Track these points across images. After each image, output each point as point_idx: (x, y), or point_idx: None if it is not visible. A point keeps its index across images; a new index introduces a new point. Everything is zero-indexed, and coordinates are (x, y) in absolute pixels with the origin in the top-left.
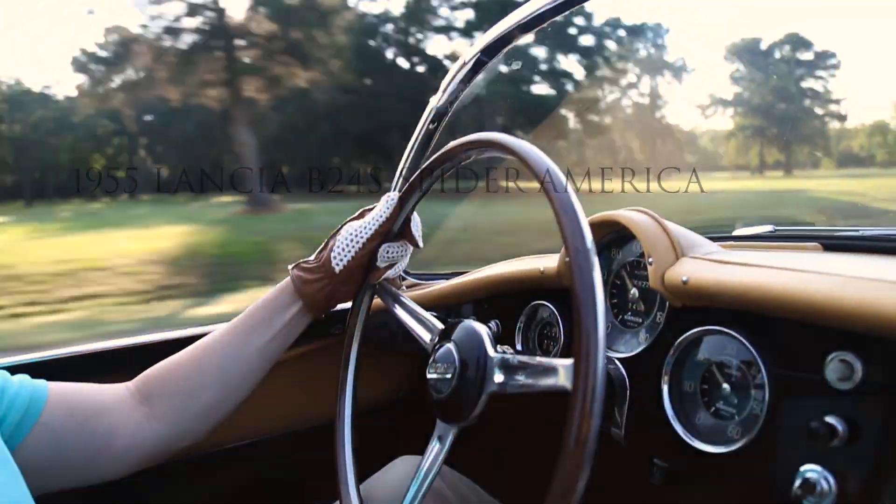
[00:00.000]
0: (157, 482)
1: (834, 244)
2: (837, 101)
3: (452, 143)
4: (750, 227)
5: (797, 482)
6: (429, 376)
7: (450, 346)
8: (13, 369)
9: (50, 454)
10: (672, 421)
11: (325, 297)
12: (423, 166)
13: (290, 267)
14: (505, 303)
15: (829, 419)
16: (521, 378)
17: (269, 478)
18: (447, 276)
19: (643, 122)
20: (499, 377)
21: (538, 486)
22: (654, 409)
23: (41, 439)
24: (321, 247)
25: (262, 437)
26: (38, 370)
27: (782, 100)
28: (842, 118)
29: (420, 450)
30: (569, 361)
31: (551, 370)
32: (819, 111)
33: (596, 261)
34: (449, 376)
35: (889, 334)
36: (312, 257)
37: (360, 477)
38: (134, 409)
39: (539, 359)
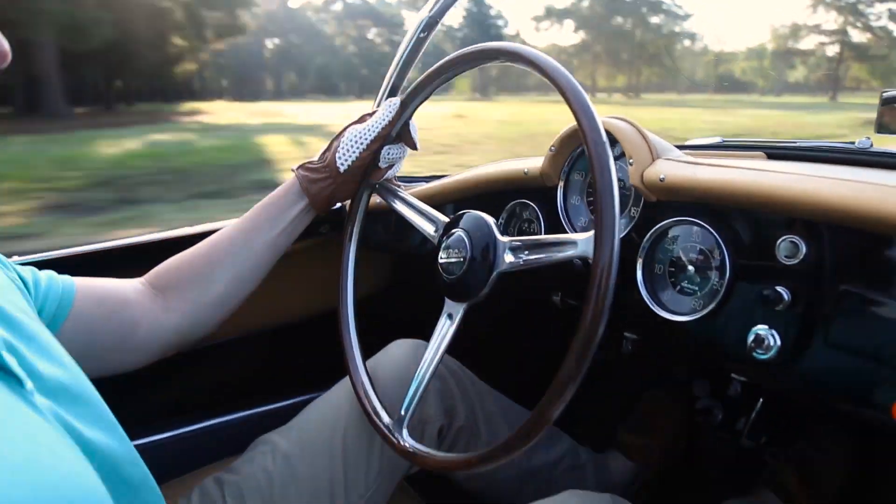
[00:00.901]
0: (169, 372)
1: (776, 153)
2: (686, 17)
3: (466, 50)
4: (702, 139)
5: (750, 338)
6: (441, 261)
7: (460, 233)
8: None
9: (81, 345)
10: (644, 297)
11: (329, 195)
12: (430, 71)
13: (294, 168)
14: (486, 202)
15: (778, 288)
16: (531, 255)
17: (267, 367)
18: (427, 179)
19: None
20: (508, 258)
21: (520, 373)
22: (627, 291)
23: (74, 329)
24: (324, 148)
25: (261, 329)
26: (49, 268)
27: (624, 14)
28: (691, 37)
29: (409, 336)
30: (587, 234)
31: (568, 243)
32: (669, 28)
33: (610, 151)
34: (461, 259)
35: (826, 220)
36: (316, 158)
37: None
38: (151, 302)
39: (552, 236)
